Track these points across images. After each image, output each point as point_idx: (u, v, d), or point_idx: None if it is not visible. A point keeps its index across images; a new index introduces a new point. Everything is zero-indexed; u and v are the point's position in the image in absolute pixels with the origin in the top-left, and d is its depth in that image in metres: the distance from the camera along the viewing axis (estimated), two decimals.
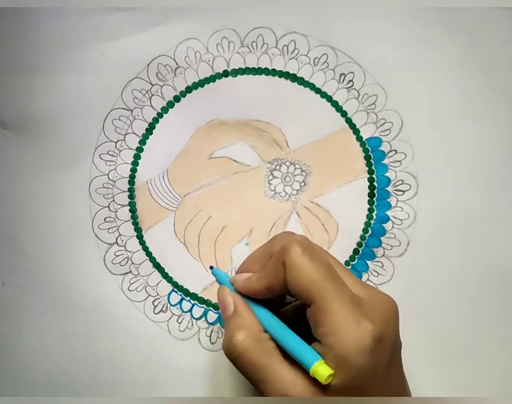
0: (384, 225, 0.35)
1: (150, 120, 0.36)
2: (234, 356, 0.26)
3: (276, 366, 0.25)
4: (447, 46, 0.35)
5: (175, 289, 0.36)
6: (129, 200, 0.36)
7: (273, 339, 0.26)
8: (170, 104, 0.36)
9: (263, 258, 0.28)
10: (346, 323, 0.23)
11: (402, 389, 0.26)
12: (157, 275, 0.36)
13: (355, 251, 0.35)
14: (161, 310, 0.36)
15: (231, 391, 0.35)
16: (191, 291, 0.36)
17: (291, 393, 0.24)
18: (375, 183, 0.35)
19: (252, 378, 0.26)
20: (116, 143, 0.36)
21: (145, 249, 0.36)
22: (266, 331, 0.27)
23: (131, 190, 0.36)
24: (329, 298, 0.24)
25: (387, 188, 0.35)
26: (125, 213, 0.36)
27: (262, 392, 0.25)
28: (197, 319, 0.35)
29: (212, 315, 0.35)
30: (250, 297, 0.28)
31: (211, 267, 0.32)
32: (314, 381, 0.24)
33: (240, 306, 0.28)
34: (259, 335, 0.26)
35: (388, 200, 0.35)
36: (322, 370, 0.23)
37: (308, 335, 0.25)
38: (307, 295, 0.24)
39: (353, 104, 0.35)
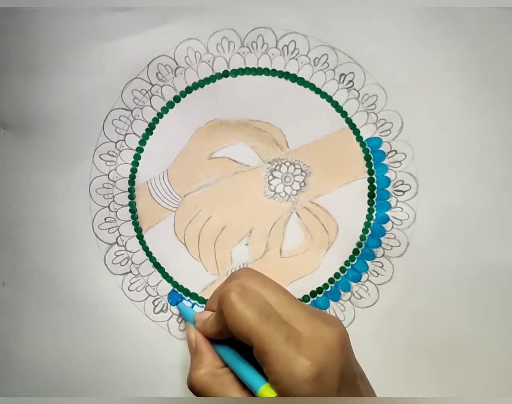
0: (384, 225, 0.35)
1: (150, 120, 0.36)
2: (195, 391, 0.28)
3: (233, 396, 0.27)
4: (447, 46, 0.35)
5: (175, 289, 0.36)
6: (129, 200, 0.36)
7: (232, 372, 0.28)
8: (170, 104, 0.36)
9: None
10: (283, 362, 0.24)
11: None
12: (157, 275, 0.36)
13: (355, 251, 0.35)
14: (161, 310, 0.36)
15: None
16: (191, 291, 0.36)
17: None
18: (375, 184, 0.35)
19: None
20: (116, 143, 0.36)
21: (145, 249, 0.36)
22: (226, 365, 0.29)
23: (131, 190, 0.36)
24: (265, 341, 0.25)
25: (387, 189, 0.35)
26: (125, 213, 0.36)
27: None
28: None
29: None
30: None
31: (178, 302, 0.35)
32: None
33: (200, 344, 0.30)
34: (215, 371, 0.28)
35: (388, 200, 0.35)
36: (266, 393, 0.25)
37: None
38: (247, 340, 0.26)
39: (353, 104, 0.35)
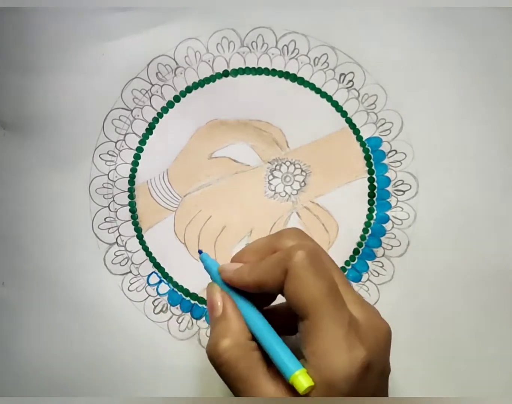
0: (384, 225, 0.35)
1: (150, 120, 0.36)
2: (217, 363, 0.25)
3: (258, 380, 0.24)
4: (447, 46, 0.35)
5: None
6: (129, 200, 0.36)
7: (258, 344, 0.25)
8: (170, 104, 0.36)
9: (264, 251, 0.26)
10: (338, 346, 0.22)
11: None
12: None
13: (355, 251, 0.35)
14: (161, 310, 0.36)
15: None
16: (191, 291, 0.36)
17: None
18: (375, 183, 0.35)
19: (232, 387, 0.25)
20: (116, 143, 0.36)
21: (145, 249, 0.36)
22: (252, 335, 0.25)
23: (131, 190, 0.36)
24: (325, 317, 0.22)
25: (387, 188, 0.35)
26: (125, 213, 0.36)
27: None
28: (197, 318, 0.35)
29: None
30: (238, 291, 0.26)
31: (200, 252, 0.29)
32: (295, 394, 0.23)
33: (229, 309, 0.26)
34: (245, 344, 0.25)
35: (388, 200, 0.35)
36: (302, 381, 0.22)
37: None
38: (304, 309, 0.23)
39: (353, 104, 0.35)
